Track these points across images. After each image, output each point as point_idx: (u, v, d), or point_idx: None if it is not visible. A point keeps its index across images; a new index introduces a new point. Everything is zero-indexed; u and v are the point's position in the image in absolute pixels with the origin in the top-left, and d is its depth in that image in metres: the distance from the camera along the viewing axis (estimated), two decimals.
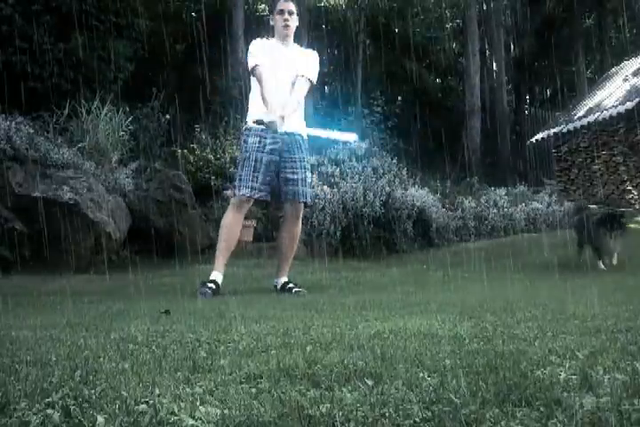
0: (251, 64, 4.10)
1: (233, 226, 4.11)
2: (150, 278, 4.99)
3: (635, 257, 5.85)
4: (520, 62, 20.42)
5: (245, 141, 4.13)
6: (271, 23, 4.31)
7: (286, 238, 4.26)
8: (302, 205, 4.22)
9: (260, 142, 4.05)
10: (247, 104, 4.29)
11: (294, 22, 4.25)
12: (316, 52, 4.34)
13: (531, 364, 1.31)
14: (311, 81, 4.18)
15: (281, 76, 4.10)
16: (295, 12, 4.23)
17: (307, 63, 4.19)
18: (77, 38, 7.91)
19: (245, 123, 4.24)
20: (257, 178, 4.02)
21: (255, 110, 4.10)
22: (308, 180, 4.23)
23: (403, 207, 8.31)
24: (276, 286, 4.24)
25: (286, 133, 4.03)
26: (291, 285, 4.16)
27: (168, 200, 6.79)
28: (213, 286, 3.90)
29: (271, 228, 7.64)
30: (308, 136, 4.30)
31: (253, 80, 4.17)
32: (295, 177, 4.12)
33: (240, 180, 4.07)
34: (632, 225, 7.27)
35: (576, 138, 13.99)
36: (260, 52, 4.15)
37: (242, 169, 4.09)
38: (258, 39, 4.28)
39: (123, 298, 3.55)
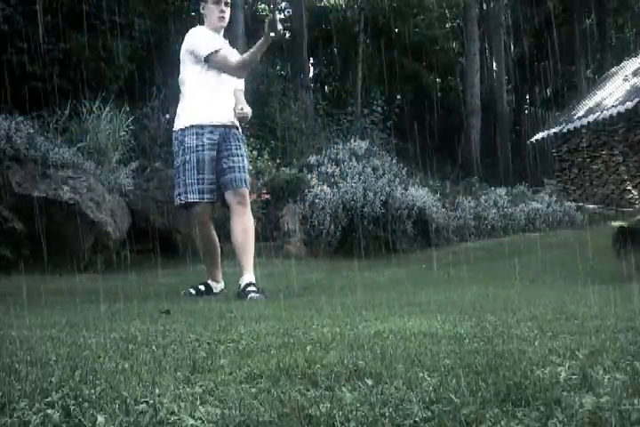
0: (209, 50, 3.69)
1: (206, 237, 3.84)
2: (150, 278, 4.99)
3: None
4: (520, 62, 20.44)
5: (182, 142, 3.75)
6: (201, 11, 3.88)
7: (239, 233, 3.69)
8: (246, 191, 3.78)
9: (197, 140, 3.72)
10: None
11: (228, 14, 3.89)
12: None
13: (531, 364, 1.31)
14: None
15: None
16: (229, 2, 3.84)
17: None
18: (78, 38, 7.91)
19: (184, 125, 3.82)
20: (203, 180, 3.71)
21: (195, 106, 3.78)
22: (247, 167, 3.86)
23: (403, 207, 8.31)
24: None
25: (223, 126, 3.79)
26: (251, 288, 3.52)
27: (168, 200, 6.79)
28: (202, 288, 3.84)
29: (271, 227, 7.64)
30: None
31: (192, 74, 3.80)
32: (233, 165, 3.74)
33: (185, 185, 3.72)
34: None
35: (576, 138, 14.00)
36: (213, 41, 3.79)
37: (183, 173, 3.73)
38: (201, 27, 3.86)
39: (123, 298, 3.54)
